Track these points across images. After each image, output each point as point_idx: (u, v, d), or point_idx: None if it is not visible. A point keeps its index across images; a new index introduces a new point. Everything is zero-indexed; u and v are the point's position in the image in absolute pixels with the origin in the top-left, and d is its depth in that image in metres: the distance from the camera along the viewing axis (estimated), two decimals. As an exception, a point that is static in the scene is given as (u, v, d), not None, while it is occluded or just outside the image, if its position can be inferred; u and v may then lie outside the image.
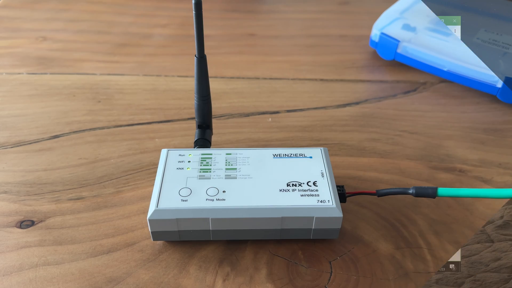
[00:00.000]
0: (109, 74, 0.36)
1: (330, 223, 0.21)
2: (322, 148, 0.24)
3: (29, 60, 0.38)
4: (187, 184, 0.22)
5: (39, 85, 0.35)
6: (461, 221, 0.24)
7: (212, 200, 0.21)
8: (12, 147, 0.29)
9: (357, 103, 0.34)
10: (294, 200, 0.21)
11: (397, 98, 0.35)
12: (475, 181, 0.27)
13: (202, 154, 0.24)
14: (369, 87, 0.36)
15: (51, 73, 0.36)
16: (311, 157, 0.24)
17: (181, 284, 0.21)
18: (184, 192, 0.21)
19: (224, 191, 0.22)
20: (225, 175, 0.22)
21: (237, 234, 0.22)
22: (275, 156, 0.24)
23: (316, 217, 0.21)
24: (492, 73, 0.33)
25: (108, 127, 0.31)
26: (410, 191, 0.22)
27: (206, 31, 0.42)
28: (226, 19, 0.46)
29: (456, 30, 0.36)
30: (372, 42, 0.39)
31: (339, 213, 0.21)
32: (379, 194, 0.23)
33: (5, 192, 0.25)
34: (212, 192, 0.21)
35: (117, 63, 0.38)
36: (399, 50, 0.37)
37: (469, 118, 0.33)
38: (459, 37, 0.34)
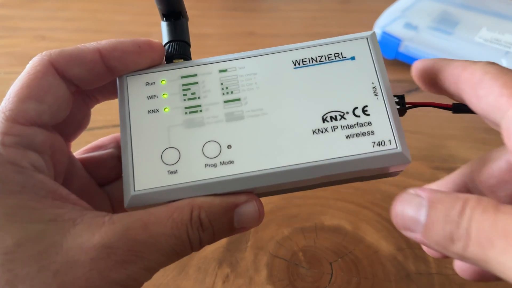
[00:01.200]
0: (108, 73, 0.36)
1: (393, 168, 0.15)
2: (369, 34, 0.15)
3: (28, 59, 0.37)
4: (171, 139, 0.14)
5: (37, 84, 0.35)
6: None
7: (215, 165, 0.14)
8: (10, 147, 0.28)
9: (358, 103, 0.34)
10: (337, 148, 0.14)
11: (399, 97, 0.34)
12: (478, 181, 0.26)
13: (183, 77, 0.15)
14: (370, 86, 0.35)
15: (49, 72, 0.36)
16: (353, 58, 0.15)
17: (180, 286, 0.20)
18: (170, 156, 0.14)
19: (229, 146, 0.14)
20: (226, 115, 0.15)
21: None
22: (297, 65, 0.15)
23: (372, 169, 0.14)
24: (495, 72, 0.33)
25: (107, 127, 0.30)
26: None
27: (205, 30, 0.42)
28: (225, 18, 0.46)
29: (458, 29, 0.35)
30: (373, 40, 0.39)
31: (406, 159, 0.14)
32: (455, 108, 0.15)
33: (3, 193, 0.25)
34: (211, 150, 0.14)
35: (116, 62, 0.38)
36: (401, 49, 0.37)
37: (471, 118, 0.32)
38: (461, 36, 0.34)
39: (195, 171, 0.14)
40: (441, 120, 0.32)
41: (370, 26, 0.39)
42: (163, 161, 0.14)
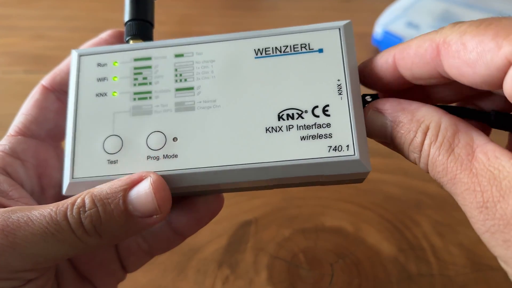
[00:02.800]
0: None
1: (350, 176, 0.13)
2: (342, 24, 0.14)
3: (25, 59, 0.37)
4: (116, 126, 0.14)
5: (35, 84, 0.34)
6: (466, 222, 0.24)
7: (157, 158, 0.13)
8: (7, 147, 0.28)
9: (359, 102, 0.33)
10: (289, 149, 0.13)
11: (400, 96, 0.34)
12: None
13: (136, 60, 0.14)
14: (371, 86, 0.35)
15: (47, 72, 0.36)
16: (321, 51, 0.13)
17: (179, 287, 0.20)
18: (112, 144, 0.13)
19: (175, 139, 0.13)
20: (176, 104, 0.14)
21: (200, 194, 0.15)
22: (259, 54, 0.14)
23: (325, 175, 0.13)
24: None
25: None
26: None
27: (204, 29, 0.42)
28: (225, 16, 0.46)
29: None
30: (375, 40, 0.38)
31: (364, 168, 0.13)
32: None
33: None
34: (155, 141, 0.13)
35: (115, 61, 0.37)
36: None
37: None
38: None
39: (135, 162, 0.13)
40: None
41: (371, 25, 0.39)
42: (104, 149, 0.13)
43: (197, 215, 0.16)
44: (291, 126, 0.13)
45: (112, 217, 0.12)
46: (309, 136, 0.13)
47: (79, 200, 0.12)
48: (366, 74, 0.14)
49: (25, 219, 0.12)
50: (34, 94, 0.16)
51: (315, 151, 0.13)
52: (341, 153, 0.13)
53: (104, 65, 0.14)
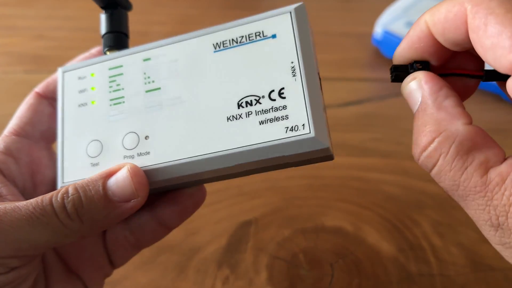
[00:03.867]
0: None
1: (313, 154, 0.13)
2: (293, 8, 0.14)
3: (26, 59, 0.37)
4: (96, 132, 0.15)
5: (35, 84, 0.34)
6: (466, 222, 0.24)
7: (132, 157, 0.14)
8: (7, 147, 0.28)
9: (359, 102, 0.33)
10: (249, 135, 0.13)
11: (401, 97, 0.34)
12: (480, 181, 0.26)
13: (110, 69, 0.15)
14: (372, 86, 0.35)
15: (47, 72, 0.36)
16: (274, 36, 0.14)
17: (179, 287, 0.20)
18: (93, 149, 0.15)
19: (147, 137, 0.14)
20: (145, 105, 0.15)
21: (177, 186, 0.16)
22: (217, 48, 0.14)
23: (286, 155, 0.13)
24: (497, 71, 0.33)
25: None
26: None
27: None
28: (225, 16, 0.45)
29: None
30: (375, 40, 0.38)
31: (321, 144, 0.13)
32: (487, 75, 0.13)
33: (0, 193, 0.25)
34: (130, 141, 0.14)
35: (115, 61, 0.37)
36: (401, 48, 0.37)
37: (473, 118, 0.32)
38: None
39: (114, 163, 0.14)
40: (442, 119, 0.32)
41: (371, 25, 0.39)
42: (88, 154, 0.15)
43: (181, 207, 0.16)
44: (250, 113, 0.14)
45: (93, 202, 0.13)
46: (267, 120, 0.13)
47: (63, 189, 0.14)
48: (410, 51, 0.13)
49: (11, 206, 0.13)
50: (29, 100, 0.17)
51: (273, 134, 0.13)
52: (298, 133, 0.13)
53: (84, 77, 0.16)
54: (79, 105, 0.15)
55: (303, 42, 0.14)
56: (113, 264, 0.17)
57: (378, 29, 0.38)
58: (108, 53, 0.16)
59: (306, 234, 0.23)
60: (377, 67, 0.38)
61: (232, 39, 0.14)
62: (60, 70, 0.16)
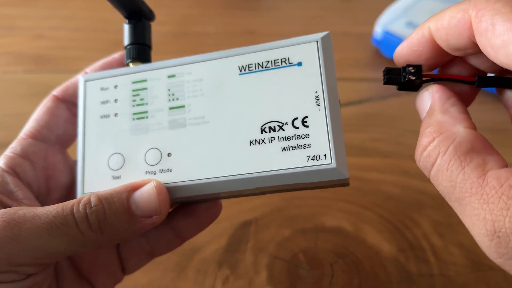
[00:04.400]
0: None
1: (331, 182, 0.14)
2: (320, 37, 0.14)
3: (26, 59, 0.37)
4: (118, 145, 0.15)
5: (35, 84, 0.34)
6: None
7: (154, 173, 0.15)
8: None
9: (359, 102, 0.33)
10: (271, 160, 0.14)
11: (401, 97, 0.34)
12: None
13: (134, 82, 0.16)
14: (372, 86, 0.35)
15: (47, 72, 0.36)
16: (300, 64, 0.14)
17: (179, 287, 0.20)
18: (115, 161, 0.15)
19: (169, 154, 0.15)
20: (169, 122, 0.15)
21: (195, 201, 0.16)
22: (243, 71, 0.15)
23: (306, 183, 0.14)
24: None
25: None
26: None
27: (204, 29, 0.42)
28: (225, 16, 0.46)
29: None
30: (375, 40, 0.38)
31: (341, 175, 0.13)
32: (479, 81, 0.13)
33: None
34: (152, 157, 0.15)
35: (115, 61, 0.37)
36: (401, 48, 0.37)
37: (473, 118, 0.32)
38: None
39: (136, 177, 0.15)
40: (442, 119, 0.32)
41: (371, 25, 0.39)
42: (109, 166, 0.15)
43: (198, 220, 0.17)
44: (272, 138, 0.14)
45: (117, 214, 0.13)
46: (289, 147, 0.14)
47: (85, 199, 0.13)
48: (409, 52, 0.13)
49: (31, 214, 0.13)
50: (46, 103, 0.17)
51: (295, 161, 0.14)
52: (319, 162, 0.13)
53: (106, 88, 0.16)
54: (101, 117, 0.16)
55: (328, 72, 0.14)
56: (125, 271, 0.17)
57: (378, 29, 0.38)
58: (131, 65, 0.17)
59: (306, 234, 0.23)
60: (377, 67, 0.38)
61: (258, 63, 0.15)
62: (82, 79, 0.16)
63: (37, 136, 0.16)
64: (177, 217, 0.17)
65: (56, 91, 0.17)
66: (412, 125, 0.32)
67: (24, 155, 0.16)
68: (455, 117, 0.12)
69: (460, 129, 0.12)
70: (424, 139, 0.12)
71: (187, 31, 0.42)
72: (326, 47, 0.14)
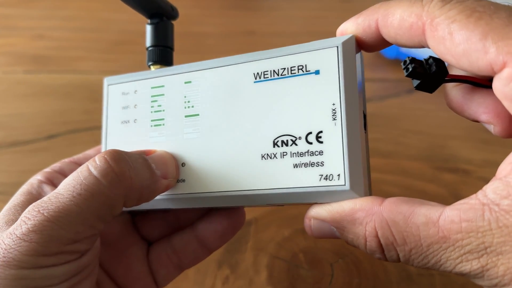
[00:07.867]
0: (106, 73, 0.36)
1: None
2: (341, 42, 0.13)
3: (25, 59, 0.37)
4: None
5: (35, 84, 0.34)
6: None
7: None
8: (7, 148, 0.28)
9: (358, 102, 0.33)
10: (282, 177, 0.13)
11: (400, 97, 0.34)
12: (480, 181, 0.26)
13: (153, 88, 0.15)
14: (372, 86, 0.35)
15: (47, 72, 0.36)
16: (317, 72, 0.13)
17: (180, 287, 0.20)
18: None
19: (183, 164, 0.15)
20: (184, 131, 0.15)
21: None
22: (258, 78, 0.14)
23: (317, 203, 0.13)
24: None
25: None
26: None
27: (204, 29, 0.42)
28: (225, 16, 0.46)
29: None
30: (374, 39, 0.38)
31: (356, 197, 0.12)
32: None
33: (1, 193, 0.25)
34: None
35: (114, 62, 0.37)
36: (402, 49, 0.37)
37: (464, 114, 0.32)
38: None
39: None
40: (442, 120, 0.32)
41: (370, 25, 0.39)
42: None
43: (221, 228, 0.17)
44: (285, 153, 0.13)
45: (143, 167, 0.14)
46: (302, 163, 0.13)
47: (97, 157, 0.14)
48: (355, 32, 0.13)
49: (54, 195, 0.13)
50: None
51: (306, 180, 0.13)
52: (332, 183, 0.12)
53: (127, 93, 0.16)
54: (122, 122, 0.16)
55: (347, 82, 0.13)
56: (158, 285, 0.18)
57: (378, 29, 0.38)
58: (152, 67, 0.17)
59: (306, 234, 0.23)
60: (377, 67, 0.38)
61: (274, 71, 0.14)
62: (105, 82, 0.17)
63: (77, 162, 0.18)
64: (201, 226, 0.17)
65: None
66: (412, 125, 0.32)
67: (61, 171, 0.17)
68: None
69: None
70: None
71: (187, 31, 0.42)
72: (348, 53, 0.13)
